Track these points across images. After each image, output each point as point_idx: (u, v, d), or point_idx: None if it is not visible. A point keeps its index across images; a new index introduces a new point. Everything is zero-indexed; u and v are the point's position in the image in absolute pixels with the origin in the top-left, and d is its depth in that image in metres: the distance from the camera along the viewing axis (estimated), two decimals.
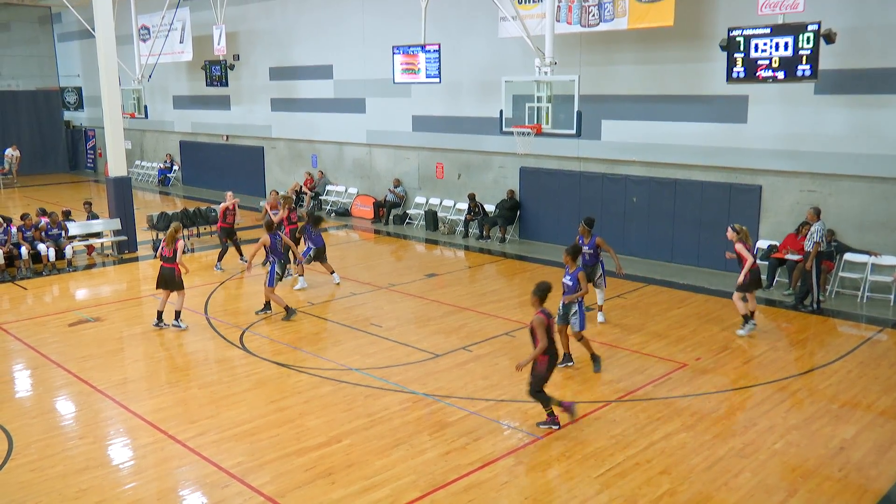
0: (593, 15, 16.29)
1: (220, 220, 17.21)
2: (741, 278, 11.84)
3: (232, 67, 26.02)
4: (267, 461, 8.14)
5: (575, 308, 10.41)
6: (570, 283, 10.43)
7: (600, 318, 12.81)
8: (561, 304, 10.46)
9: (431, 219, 21.11)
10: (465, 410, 9.40)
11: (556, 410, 8.88)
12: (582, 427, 8.88)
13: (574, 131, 15.24)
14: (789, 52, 12.80)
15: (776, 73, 13.04)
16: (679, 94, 16.21)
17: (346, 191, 24.33)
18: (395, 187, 22.42)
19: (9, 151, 32.98)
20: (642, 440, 8.53)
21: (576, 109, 14.94)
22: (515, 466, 8.00)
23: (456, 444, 8.49)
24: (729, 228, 12.01)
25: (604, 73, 17.21)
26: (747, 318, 11.96)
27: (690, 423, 8.97)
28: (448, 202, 21.14)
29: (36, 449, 8.54)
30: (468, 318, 13.24)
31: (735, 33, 13.38)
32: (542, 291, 8.74)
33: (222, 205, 17.16)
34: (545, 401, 8.81)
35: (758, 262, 12.20)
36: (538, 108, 15.47)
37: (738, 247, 11.79)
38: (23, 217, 17.39)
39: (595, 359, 10.71)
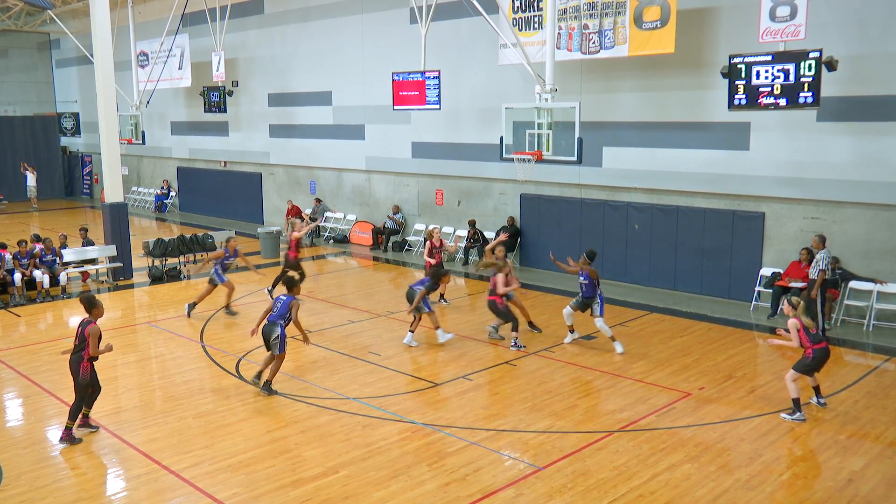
0: (594, 42, 16.45)
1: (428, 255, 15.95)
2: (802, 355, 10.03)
3: (231, 94, 26.22)
4: (263, 493, 8.05)
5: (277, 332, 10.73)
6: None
7: (619, 348, 12.69)
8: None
9: None
10: (465, 441, 9.33)
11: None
12: (584, 458, 8.80)
13: (575, 158, 15.34)
14: (791, 80, 12.92)
15: (778, 101, 13.14)
16: (681, 121, 16.31)
17: (344, 217, 24.38)
18: (395, 214, 22.46)
19: (30, 179, 33.14)
20: (646, 471, 8.45)
21: (576, 136, 15.05)
22: (516, 498, 7.91)
23: (456, 476, 8.40)
24: (785, 301, 10.12)
25: (605, 100, 17.33)
26: (798, 403, 9.93)
27: (695, 453, 8.89)
28: (448, 229, 21.17)
29: (26, 480, 8.45)
30: (468, 346, 13.19)
31: (736, 60, 13.50)
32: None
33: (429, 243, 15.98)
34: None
35: (814, 349, 9.86)
36: (539, 134, 15.59)
37: (791, 323, 9.82)
38: (19, 243, 17.40)
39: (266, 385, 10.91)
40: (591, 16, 16.41)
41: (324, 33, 23.81)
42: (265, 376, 11.01)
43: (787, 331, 10.02)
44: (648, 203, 17.18)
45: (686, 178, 16.40)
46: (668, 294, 16.55)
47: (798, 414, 9.91)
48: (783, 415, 10.03)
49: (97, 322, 9.41)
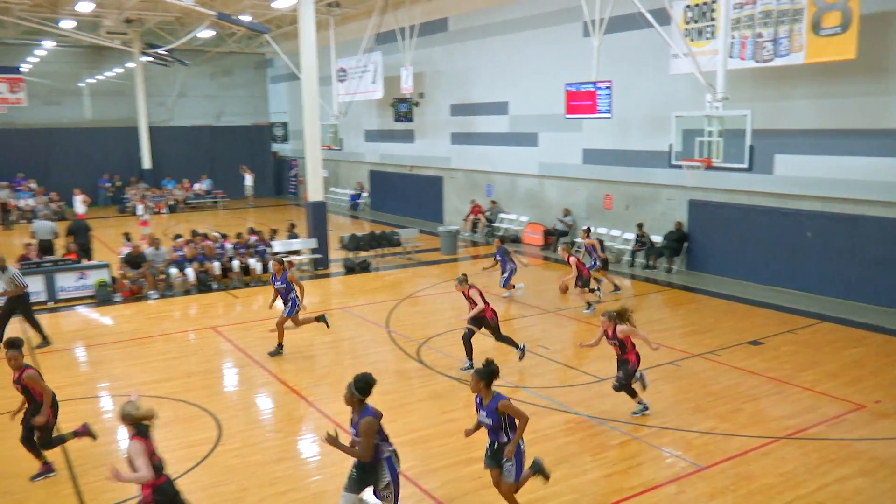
0: (767, 50, 15.44)
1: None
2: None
3: (417, 104, 27.01)
4: (437, 467, 8.24)
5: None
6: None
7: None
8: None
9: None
10: (628, 435, 9.08)
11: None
12: (749, 461, 8.29)
13: (745, 165, 14.52)
14: None
15: None
16: (859, 128, 14.94)
17: (517, 219, 24.43)
18: (565, 216, 22.23)
19: (247, 180, 35.89)
20: (813, 481, 7.83)
21: (748, 144, 14.23)
22: (678, 495, 7.60)
23: (618, 468, 8.20)
24: (605, 318, 9.64)
25: (777, 107, 16.21)
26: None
27: (869, 468, 8.11)
28: (615, 232, 20.67)
29: (240, 438, 9.15)
30: None
31: None
32: None
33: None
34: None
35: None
36: (709, 142, 14.89)
37: (622, 329, 9.51)
38: (237, 235, 18.90)
39: None
40: (765, 24, 15.41)
41: (502, 48, 23.96)
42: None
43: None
44: (821, 211, 15.87)
45: (864, 186, 14.99)
46: (841, 303, 15.23)
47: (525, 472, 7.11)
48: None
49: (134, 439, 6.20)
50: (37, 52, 33.61)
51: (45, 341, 13.20)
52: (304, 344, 13.21)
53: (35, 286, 16.07)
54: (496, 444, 6.82)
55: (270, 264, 12.37)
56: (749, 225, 17.25)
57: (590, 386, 10.82)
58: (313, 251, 19.76)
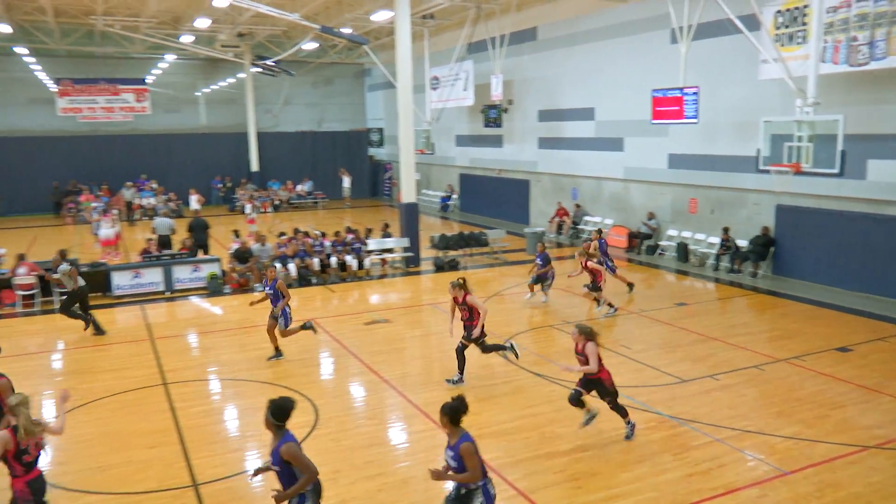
0: (863, 54, 14.63)
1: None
2: None
3: (506, 111, 26.94)
4: (520, 459, 8.22)
5: None
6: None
7: None
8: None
9: (683, 251, 20.15)
10: (710, 437, 8.79)
11: None
12: (835, 469, 7.90)
13: (836, 170, 13.81)
14: None
15: None
16: None
17: (602, 221, 24.04)
18: (649, 220, 21.72)
19: (345, 182, 36.78)
20: None
21: (839, 149, 13.52)
22: (760, 498, 7.31)
23: (699, 468, 7.96)
24: (576, 330, 8.55)
25: (871, 111, 15.33)
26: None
27: None
28: (700, 236, 20.04)
29: (335, 423, 9.39)
30: (716, 347, 12.40)
31: None
32: None
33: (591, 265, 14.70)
34: None
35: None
36: (798, 147, 14.24)
37: (590, 347, 8.41)
38: (335, 234, 19.39)
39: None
40: (861, 27, 14.61)
41: (589, 55, 23.62)
42: None
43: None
44: None
45: None
46: None
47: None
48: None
49: None
50: (160, 64, 35.57)
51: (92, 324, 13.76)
52: (396, 338, 13.42)
53: (154, 277, 17.16)
54: (462, 489, 5.89)
55: (267, 269, 12.28)
56: (839, 230, 16.39)
57: (671, 387, 10.55)
58: (405, 250, 20.04)
